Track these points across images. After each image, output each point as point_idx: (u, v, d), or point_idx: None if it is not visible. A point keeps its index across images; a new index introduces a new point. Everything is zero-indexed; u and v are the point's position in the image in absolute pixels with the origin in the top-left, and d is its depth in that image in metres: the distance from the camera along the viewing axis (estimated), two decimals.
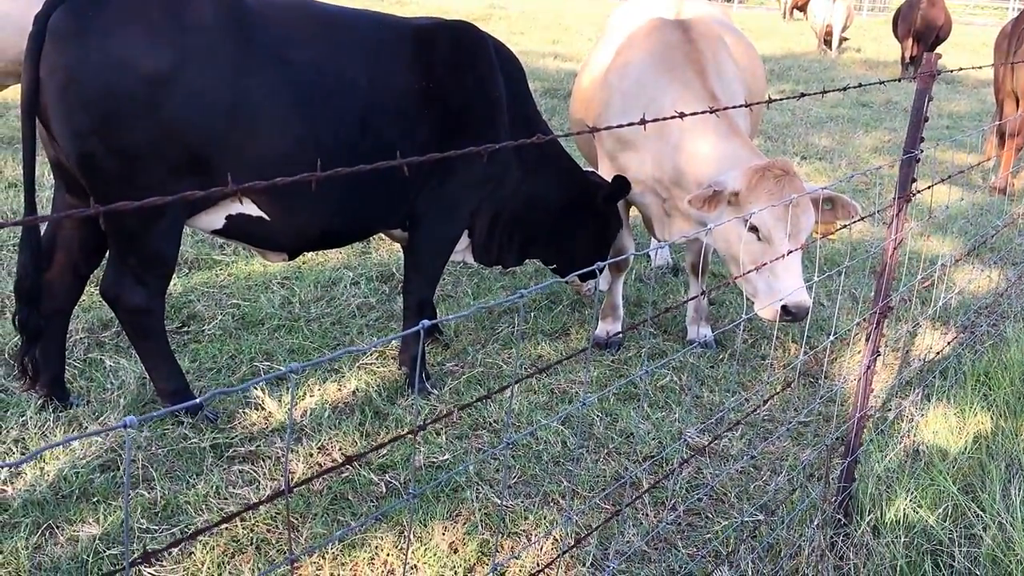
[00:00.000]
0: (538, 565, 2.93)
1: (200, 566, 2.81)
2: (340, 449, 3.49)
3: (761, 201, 3.66)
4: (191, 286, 4.80)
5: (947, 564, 2.92)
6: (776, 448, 3.78)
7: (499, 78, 3.81)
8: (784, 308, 3.68)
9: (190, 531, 2.96)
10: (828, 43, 19.14)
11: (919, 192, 3.12)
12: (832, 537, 3.05)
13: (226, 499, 3.15)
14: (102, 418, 3.53)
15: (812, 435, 3.90)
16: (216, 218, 3.41)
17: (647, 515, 3.26)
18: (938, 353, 4.53)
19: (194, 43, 3.08)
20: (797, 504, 3.23)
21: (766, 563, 2.98)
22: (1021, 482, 3.22)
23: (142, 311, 3.37)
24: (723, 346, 4.71)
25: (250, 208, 3.40)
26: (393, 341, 4.31)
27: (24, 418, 3.46)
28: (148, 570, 2.77)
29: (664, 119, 1.80)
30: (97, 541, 2.87)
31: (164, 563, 2.81)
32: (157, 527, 2.98)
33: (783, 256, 3.34)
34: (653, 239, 4.88)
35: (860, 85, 3.05)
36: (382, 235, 4.51)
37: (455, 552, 2.99)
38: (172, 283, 4.50)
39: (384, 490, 3.28)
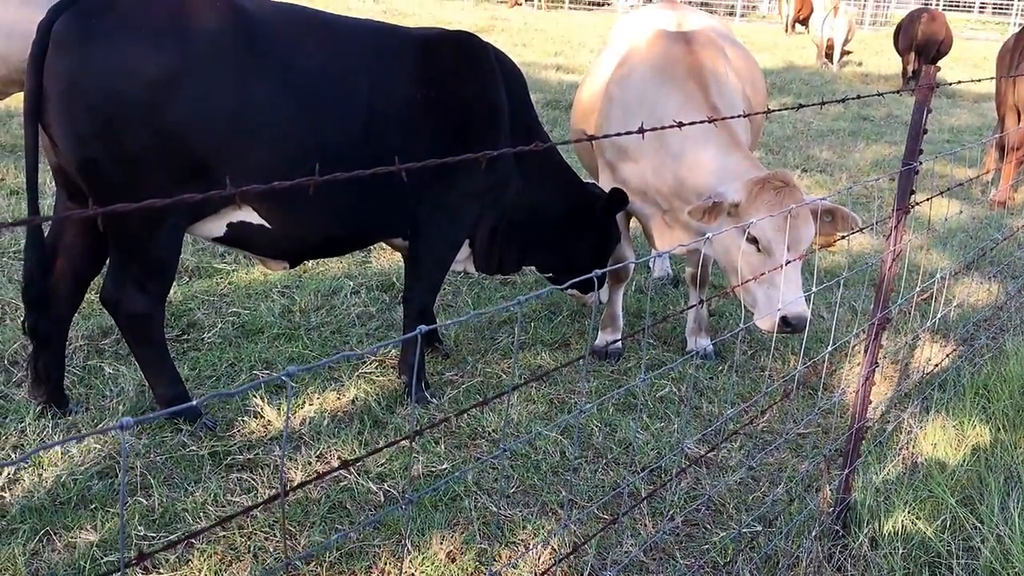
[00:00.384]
0: (535, 574, 2.93)
1: (197, 573, 2.81)
2: (339, 458, 3.49)
3: (761, 213, 3.66)
4: (191, 294, 4.80)
5: None
6: (775, 459, 3.78)
7: (501, 88, 3.82)
8: (783, 319, 3.68)
9: (188, 538, 2.96)
10: (829, 57, 19.19)
11: (918, 204, 3.13)
12: (830, 548, 3.05)
13: (224, 507, 3.15)
14: (100, 425, 3.53)
15: (811, 446, 3.90)
16: (217, 225, 3.42)
17: (645, 525, 3.25)
18: (937, 365, 4.53)
19: (196, 50, 3.09)
20: (795, 515, 3.23)
21: (764, 574, 2.98)
22: (1020, 495, 3.22)
23: (142, 318, 3.38)
24: (722, 357, 4.71)
25: (251, 216, 3.41)
26: (392, 351, 4.32)
27: (23, 424, 3.46)
28: None
29: (663, 128, 1.81)
30: (94, 548, 2.87)
31: (161, 570, 2.81)
32: (155, 534, 2.97)
33: (782, 267, 3.34)
34: (653, 250, 4.89)
35: (859, 97, 3.06)
36: (382, 244, 4.53)
37: (452, 561, 2.99)
38: (172, 291, 4.51)
39: (382, 499, 3.28)
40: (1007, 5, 37.73)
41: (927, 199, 3.44)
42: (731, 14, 33.42)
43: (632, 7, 32.57)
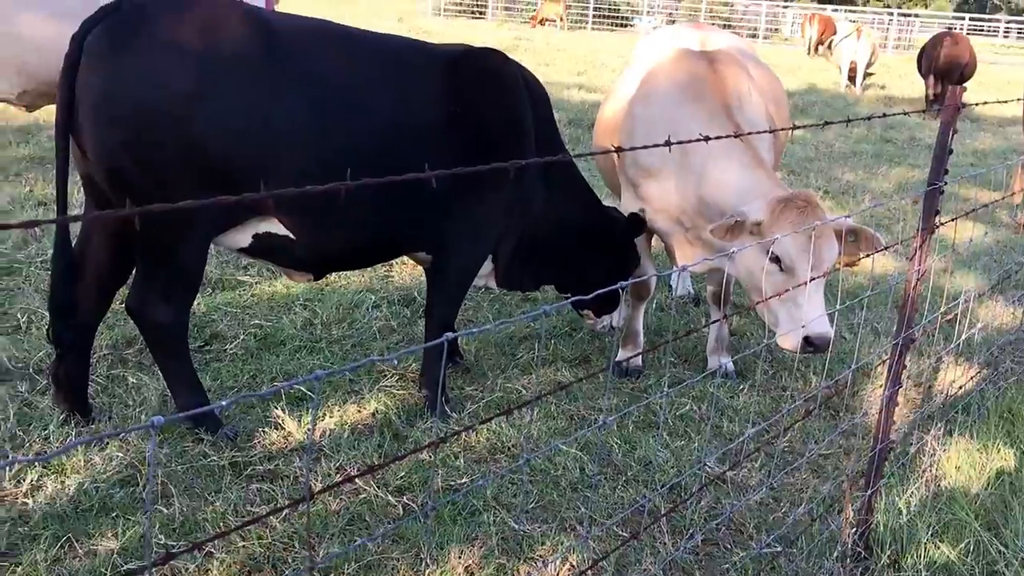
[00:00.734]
0: None
1: None
2: (359, 470, 3.50)
3: (784, 232, 3.65)
4: (215, 305, 4.84)
5: None
6: (795, 479, 3.75)
7: (527, 105, 3.85)
8: (806, 339, 3.67)
9: (207, 548, 2.97)
10: (852, 79, 19.16)
11: (942, 224, 3.12)
12: (852, 571, 3.02)
13: (244, 517, 3.16)
14: (123, 434, 3.55)
15: (832, 467, 3.86)
16: (243, 236, 3.45)
17: (664, 543, 3.23)
18: (961, 388, 4.49)
19: (225, 64, 3.13)
20: (816, 536, 3.20)
21: None
22: None
23: (167, 327, 3.41)
24: (743, 376, 4.69)
25: (276, 227, 3.44)
26: (413, 364, 4.33)
27: (47, 432, 3.49)
28: None
29: (688, 141, 1.81)
30: (115, 555, 2.89)
31: None
32: (175, 543, 2.99)
33: (805, 286, 3.33)
34: (674, 266, 4.88)
35: (884, 115, 3.06)
36: (405, 258, 4.55)
37: (471, 575, 2.98)
38: (196, 302, 4.55)
39: (401, 512, 3.28)
40: None
41: (952, 219, 3.42)
42: (753, 36, 33.46)
43: (654, 28, 32.68)
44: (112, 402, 3.81)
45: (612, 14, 35.36)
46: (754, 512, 3.48)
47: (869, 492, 3.14)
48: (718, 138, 2.05)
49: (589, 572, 2.87)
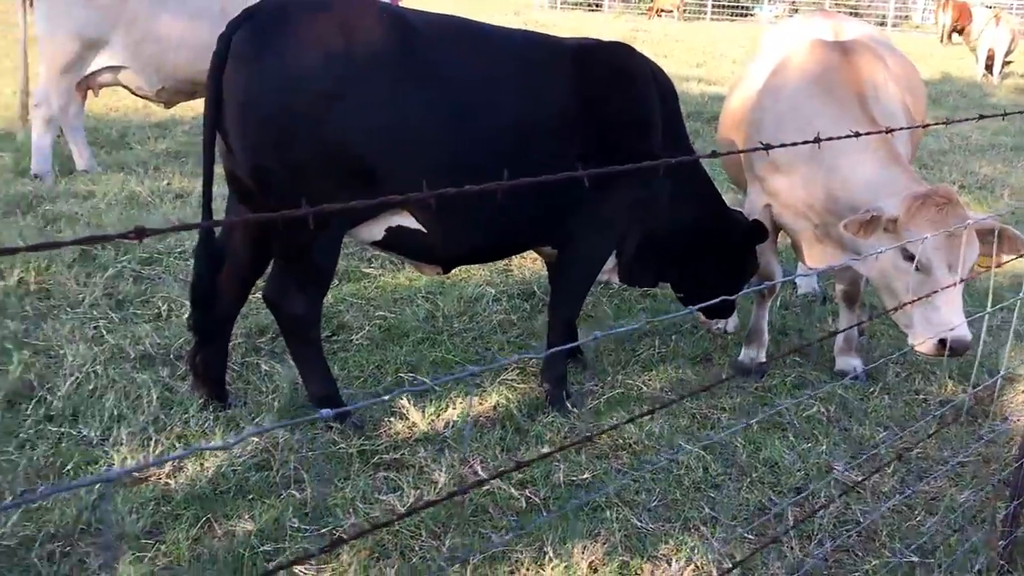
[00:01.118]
0: None
1: (347, 567, 2.90)
2: (481, 462, 3.54)
3: (921, 230, 3.51)
4: (341, 297, 4.97)
5: None
6: (931, 487, 3.60)
7: (655, 99, 3.81)
8: (943, 343, 3.51)
9: (337, 533, 3.06)
10: (990, 68, 18.23)
11: None
12: None
13: (371, 504, 3.24)
14: (257, 419, 3.69)
15: (970, 476, 3.69)
16: (377, 230, 3.53)
17: (792, 548, 3.16)
18: None
19: (365, 63, 3.21)
20: (956, 548, 3.07)
21: None
22: None
23: (301, 318, 3.52)
24: (873, 379, 4.53)
25: (409, 220, 3.50)
26: (534, 359, 4.34)
27: (187, 416, 3.65)
28: (298, 567, 2.87)
29: (839, 138, 1.75)
30: (252, 537, 3.00)
31: (312, 561, 2.91)
32: (308, 527, 3.09)
33: (954, 286, 3.18)
34: (800, 265, 4.75)
35: (1022, 112, 2.90)
36: (524, 252, 4.56)
37: (594, 571, 2.98)
38: None
39: (524, 505, 3.30)
40: None
41: None
42: (882, 23, 32.20)
43: (776, 17, 31.85)
44: (247, 388, 3.96)
45: (732, 3, 34.57)
46: (886, 520, 3.36)
47: (1015, 503, 2.99)
48: (867, 134, 1.98)
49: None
